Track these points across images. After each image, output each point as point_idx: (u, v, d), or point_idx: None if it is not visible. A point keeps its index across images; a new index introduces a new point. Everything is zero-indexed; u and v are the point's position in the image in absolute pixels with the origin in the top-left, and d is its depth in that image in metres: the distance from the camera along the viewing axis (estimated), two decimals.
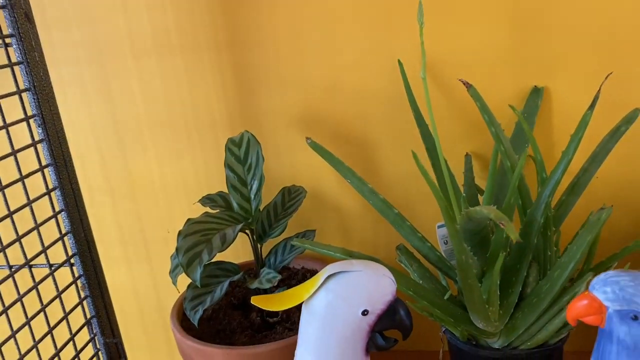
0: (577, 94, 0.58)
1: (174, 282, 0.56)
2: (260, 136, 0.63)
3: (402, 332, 0.41)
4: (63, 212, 0.55)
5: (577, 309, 0.38)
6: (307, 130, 0.65)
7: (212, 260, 0.56)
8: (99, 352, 0.59)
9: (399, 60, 0.57)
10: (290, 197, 0.62)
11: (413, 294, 0.50)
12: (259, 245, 0.59)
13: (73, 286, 0.57)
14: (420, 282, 0.54)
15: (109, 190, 0.72)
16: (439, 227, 0.58)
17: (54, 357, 0.54)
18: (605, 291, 0.36)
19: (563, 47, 0.57)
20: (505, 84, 0.59)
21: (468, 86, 0.49)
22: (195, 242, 0.50)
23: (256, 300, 0.41)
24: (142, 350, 0.80)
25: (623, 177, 0.60)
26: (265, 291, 0.58)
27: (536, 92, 0.58)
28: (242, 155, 0.59)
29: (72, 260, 0.57)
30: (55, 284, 0.56)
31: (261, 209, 0.60)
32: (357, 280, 0.40)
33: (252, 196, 0.58)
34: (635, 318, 0.36)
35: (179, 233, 0.51)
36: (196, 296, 0.55)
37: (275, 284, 0.54)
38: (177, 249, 0.50)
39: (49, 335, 0.54)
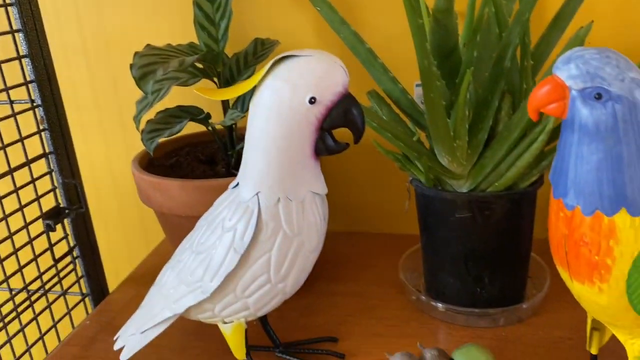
0: None
1: (137, 127, 0.54)
2: None
3: (354, 132, 0.39)
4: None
5: (538, 96, 0.34)
6: None
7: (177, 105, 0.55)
8: (56, 190, 0.57)
9: None
10: (264, 47, 0.59)
11: (378, 126, 0.47)
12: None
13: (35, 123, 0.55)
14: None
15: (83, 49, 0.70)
16: (417, 86, 0.56)
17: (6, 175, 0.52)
18: (569, 68, 0.33)
19: None
20: None
21: None
22: (151, 61, 0.48)
23: (201, 91, 0.39)
24: (114, 220, 0.78)
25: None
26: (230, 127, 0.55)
27: None
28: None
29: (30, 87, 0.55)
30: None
31: (230, 56, 0.58)
32: (304, 65, 0.37)
33: (220, 36, 0.55)
34: (598, 97, 0.32)
35: (136, 53, 0.48)
36: (154, 129, 0.52)
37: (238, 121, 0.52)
38: (131, 65, 0.47)
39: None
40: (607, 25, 0.57)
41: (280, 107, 0.37)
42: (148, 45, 0.51)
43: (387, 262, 0.61)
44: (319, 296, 0.57)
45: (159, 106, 0.54)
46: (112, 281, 0.66)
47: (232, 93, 0.39)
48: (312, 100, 0.37)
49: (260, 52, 0.58)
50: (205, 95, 0.38)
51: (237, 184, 0.41)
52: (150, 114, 0.54)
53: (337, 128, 0.38)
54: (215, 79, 0.57)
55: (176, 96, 0.58)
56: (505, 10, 0.45)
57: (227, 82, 0.57)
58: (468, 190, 0.48)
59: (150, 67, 0.47)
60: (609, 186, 0.33)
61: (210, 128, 0.56)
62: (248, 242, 0.38)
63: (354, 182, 0.69)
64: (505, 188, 0.47)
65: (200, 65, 0.56)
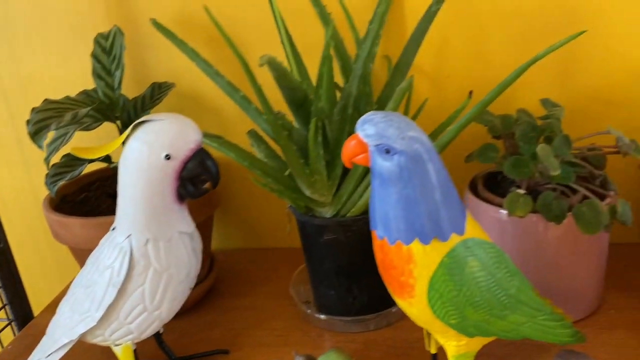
0: None
1: (48, 168, 0.60)
2: (138, 36, 0.67)
3: (209, 179, 0.46)
4: None
5: (347, 149, 0.42)
6: (184, 30, 0.68)
7: None
8: None
9: None
10: (160, 90, 0.65)
11: (249, 164, 0.54)
12: None
13: None
14: (266, 161, 0.58)
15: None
16: None
17: None
18: (364, 129, 0.41)
19: None
20: None
21: None
22: (46, 116, 0.54)
23: (75, 150, 0.45)
24: (38, 250, 0.84)
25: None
26: None
27: None
28: (108, 46, 0.62)
29: None
30: None
31: (130, 100, 0.64)
32: (160, 127, 0.44)
33: (116, 85, 0.62)
34: (387, 151, 0.40)
35: (33, 109, 0.54)
36: (57, 173, 0.58)
37: None
38: (27, 121, 0.53)
39: None
40: (460, 56, 0.65)
41: (140, 164, 0.44)
42: (46, 100, 0.57)
43: (283, 277, 0.68)
44: (219, 312, 0.64)
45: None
46: (39, 306, 0.72)
47: (101, 152, 0.45)
48: (168, 157, 0.44)
49: (157, 95, 0.65)
50: (78, 154, 0.45)
51: (115, 227, 0.48)
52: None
53: (195, 177, 0.45)
54: (119, 122, 0.63)
55: (87, 138, 0.64)
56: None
57: (125, 125, 0.63)
58: (332, 215, 0.56)
59: (44, 122, 0.53)
60: (403, 221, 0.41)
61: (111, 166, 0.62)
62: (123, 278, 0.45)
63: (253, 200, 0.76)
64: (361, 213, 0.55)
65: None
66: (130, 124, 0.62)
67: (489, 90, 0.64)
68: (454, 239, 0.41)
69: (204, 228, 0.66)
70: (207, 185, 0.47)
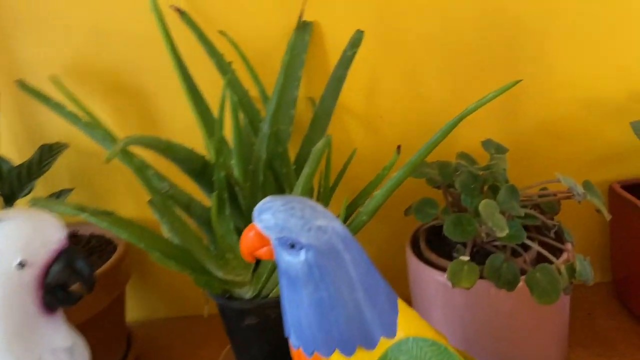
0: (349, 32, 0.54)
1: None
2: (19, 95, 0.57)
3: (82, 283, 0.37)
4: None
5: (245, 242, 0.34)
6: (76, 81, 0.59)
7: None
8: None
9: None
10: (51, 153, 0.56)
11: (159, 253, 0.45)
12: (6, 207, 0.54)
13: None
14: (171, 237, 0.49)
15: None
16: None
17: None
18: (262, 219, 0.33)
19: None
20: (269, 18, 0.54)
21: (180, 13, 0.44)
22: None
23: None
24: None
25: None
26: None
27: (303, 27, 0.54)
28: None
29: None
30: None
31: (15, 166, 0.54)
32: (9, 229, 0.35)
33: None
34: (292, 245, 0.32)
35: None
36: None
37: None
38: None
39: None
40: (393, 95, 0.58)
41: None
42: None
43: (213, 351, 0.59)
44: None
45: None
46: None
47: None
48: (22, 264, 0.35)
49: (46, 159, 0.55)
50: None
51: None
52: None
53: (64, 283, 0.37)
54: None
55: None
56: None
57: (7, 198, 0.53)
58: (252, 296, 0.47)
59: None
60: (318, 330, 0.33)
61: None
62: None
63: None
64: None
65: None
66: (12, 197, 0.54)
67: (425, 131, 0.58)
68: (384, 344, 0.34)
69: (114, 308, 0.57)
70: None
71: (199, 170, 0.43)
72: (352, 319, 0.33)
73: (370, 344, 0.33)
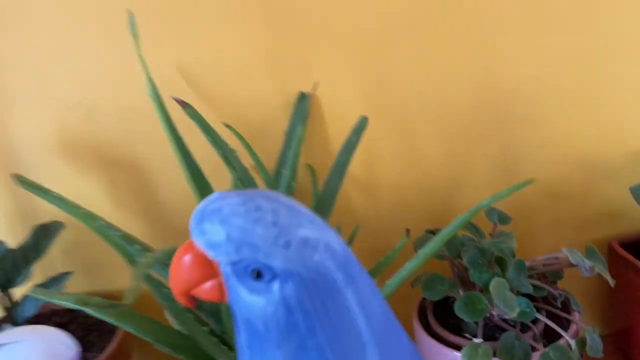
0: (347, 99, 0.54)
1: None
2: (15, 165, 0.56)
3: None
4: None
5: (177, 273, 0.22)
6: (67, 155, 0.57)
7: None
8: None
9: (147, 77, 0.51)
10: (47, 234, 0.55)
11: (168, 348, 0.44)
12: (4, 295, 0.52)
13: None
14: (180, 329, 0.48)
15: None
16: None
17: None
18: (204, 231, 0.20)
19: (326, 50, 0.53)
20: (268, 91, 0.54)
21: (183, 105, 0.44)
22: None
23: None
24: None
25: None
26: None
27: (303, 99, 0.54)
28: None
29: None
30: None
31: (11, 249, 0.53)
32: (21, 353, 0.34)
33: None
34: (258, 275, 0.20)
35: None
36: None
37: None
38: None
39: None
40: (392, 163, 0.58)
41: None
42: None
43: None
44: None
45: None
46: None
47: None
48: None
49: (42, 241, 0.54)
50: None
51: None
52: None
53: None
54: None
55: None
56: None
57: (4, 286, 0.52)
58: None
59: None
60: None
61: None
62: None
63: None
64: None
65: None
66: (8, 285, 0.52)
67: (424, 197, 0.59)
68: None
69: None
70: None
71: None
72: None
73: None
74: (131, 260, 0.42)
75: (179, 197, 0.58)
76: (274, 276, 0.20)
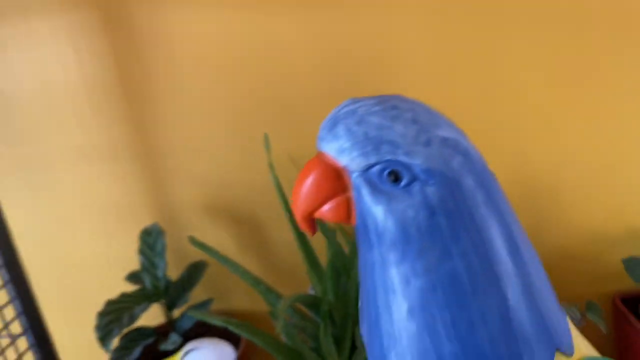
0: None
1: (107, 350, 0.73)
2: (171, 223, 0.81)
3: None
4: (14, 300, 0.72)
5: (302, 194, 0.20)
6: (205, 219, 0.81)
7: (134, 327, 0.74)
8: None
9: (270, 166, 0.73)
10: (197, 270, 0.79)
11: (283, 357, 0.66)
12: (169, 313, 0.76)
13: None
14: (288, 339, 0.70)
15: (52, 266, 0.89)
16: None
17: None
18: (337, 135, 0.20)
19: None
20: None
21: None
22: (109, 320, 0.67)
23: None
24: None
25: None
26: (173, 351, 0.75)
27: None
28: (152, 242, 0.76)
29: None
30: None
31: (174, 281, 0.77)
32: (203, 356, 0.57)
33: (161, 275, 0.75)
34: (395, 178, 0.19)
35: (98, 313, 0.68)
36: (117, 357, 0.72)
37: (178, 345, 0.71)
38: (95, 327, 0.66)
39: None
40: None
41: None
42: (107, 301, 0.70)
43: None
44: None
45: None
46: None
47: None
48: None
49: (194, 275, 0.78)
50: None
51: None
52: None
53: None
54: (164, 301, 0.76)
55: None
56: None
57: (169, 307, 0.76)
58: None
59: (109, 327, 0.67)
60: (448, 338, 0.20)
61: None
62: None
63: None
64: None
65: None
66: (174, 303, 0.77)
67: None
68: None
69: None
70: None
71: (313, 303, 0.64)
72: (513, 315, 0.19)
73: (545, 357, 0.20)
74: (266, 299, 0.64)
75: (285, 247, 0.81)
76: (414, 178, 0.19)
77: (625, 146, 0.72)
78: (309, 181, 0.20)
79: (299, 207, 0.21)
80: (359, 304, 0.22)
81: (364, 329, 0.22)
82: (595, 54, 0.68)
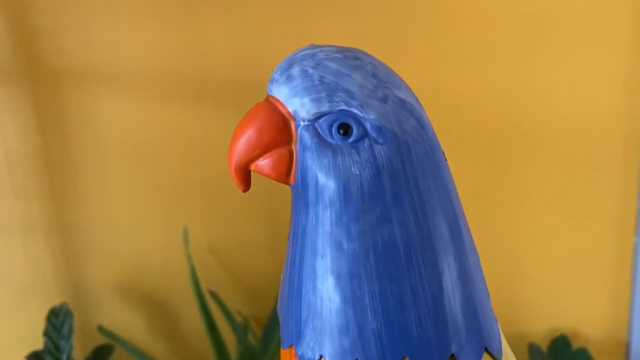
0: None
1: None
2: (83, 302, 0.79)
3: None
4: None
5: (241, 140, 0.19)
6: (117, 299, 0.81)
7: None
8: None
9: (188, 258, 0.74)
10: (103, 354, 0.77)
11: None
12: None
13: None
14: None
15: None
16: None
17: None
18: (291, 76, 0.18)
19: None
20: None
21: (211, 294, 0.67)
22: None
23: None
24: None
25: None
26: None
27: None
28: (59, 325, 0.74)
29: None
30: None
31: None
32: None
33: (64, 359, 0.73)
34: (345, 132, 0.18)
35: None
36: None
37: None
38: None
39: None
40: None
41: None
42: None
43: None
44: None
45: None
46: None
47: None
48: None
49: (100, 358, 0.76)
50: None
51: None
52: None
53: None
54: None
55: None
56: None
57: None
58: None
59: None
60: (379, 315, 0.19)
61: None
62: None
63: None
64: None
65: None
66: None
67: None
68: None
69: None
70: None
71: None
72: (446, 299, 0.18)
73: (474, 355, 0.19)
74: None
75: (196, 336, 0.81)
76: (364, 134, 0.18)
77: None
78: (252, 125, 0.19)
79: (235, 154, 0.19)
80: (281, 277, 0.21)
81: (281, 305, 0.21)
82: None
